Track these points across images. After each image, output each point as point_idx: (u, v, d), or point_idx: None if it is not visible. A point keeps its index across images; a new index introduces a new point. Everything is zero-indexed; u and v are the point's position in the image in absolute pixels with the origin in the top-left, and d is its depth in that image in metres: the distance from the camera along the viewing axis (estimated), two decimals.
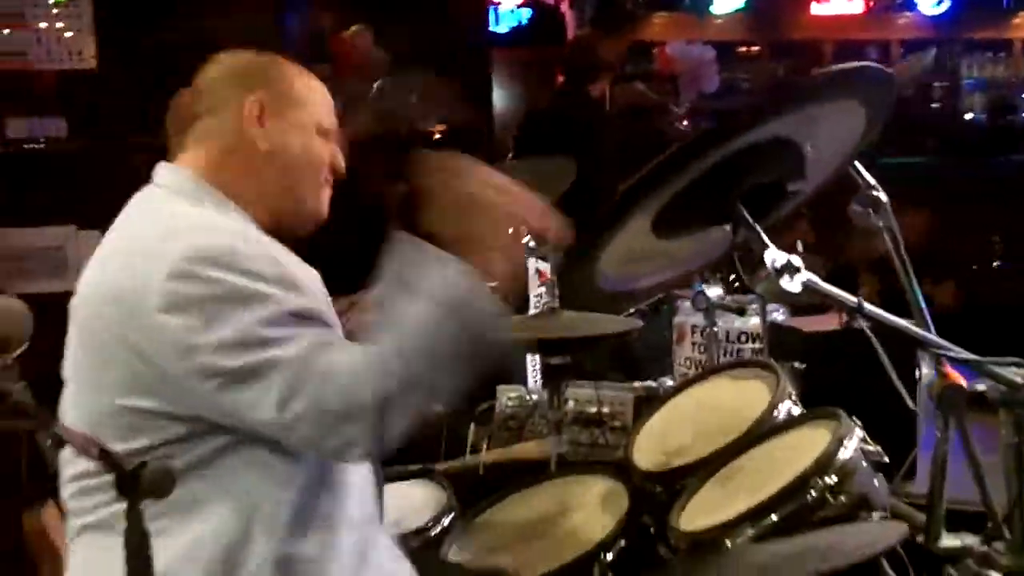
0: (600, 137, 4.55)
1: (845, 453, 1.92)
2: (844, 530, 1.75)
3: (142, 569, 1.37)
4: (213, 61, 1.88)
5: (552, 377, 2.70)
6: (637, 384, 2.78)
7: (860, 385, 2.22)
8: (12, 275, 4.47)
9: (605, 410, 2.75)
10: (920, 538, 1.89)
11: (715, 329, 2.61)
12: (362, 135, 6.71)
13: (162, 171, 1.80)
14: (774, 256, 1.41)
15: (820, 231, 5.97)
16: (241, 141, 1.76)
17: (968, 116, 10.43)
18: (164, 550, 1.45)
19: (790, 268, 1.41)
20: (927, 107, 10.12)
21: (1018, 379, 1.64)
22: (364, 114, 6.97)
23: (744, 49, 10.45)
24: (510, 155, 5.16)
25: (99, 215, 1.96)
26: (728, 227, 1.52)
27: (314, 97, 1.87)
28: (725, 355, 2.67)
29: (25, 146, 4.56)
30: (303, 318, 1.57)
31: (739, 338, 2.68)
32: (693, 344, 2.79)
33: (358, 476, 1.74)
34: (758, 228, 1.45)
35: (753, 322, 2.64)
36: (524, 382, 3.00)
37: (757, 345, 2.61)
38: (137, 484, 1.38)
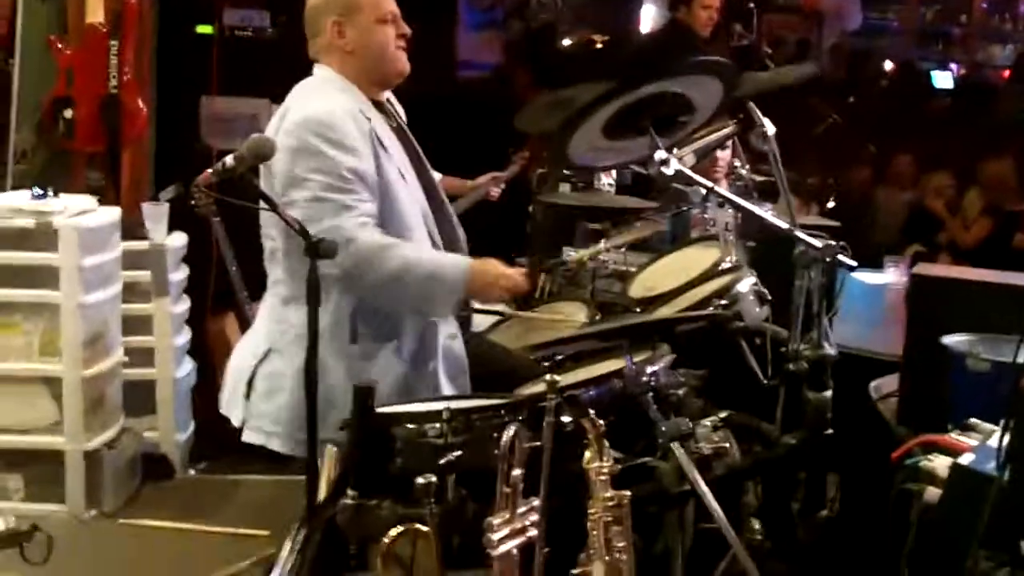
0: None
1: (740, 287, 3.32)
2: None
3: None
4: None
5: (594, 240, 4.16)
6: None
7: None
8: (218, 133, 5.99)
9: (630, 268, 4.16)
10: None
11: (707, 217, 4.03)
12: (515, 41, 8.04)
13: (315, 68, 3.19)
14: (659, 154, 2.79)
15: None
16: (335, 48, 3.14)
17: None
18: None
19: (666, 163, 2.79)
20: None
21: (816, 244, 2.96)
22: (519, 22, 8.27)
23: None
24: None
25: (286, 94, 3.18)
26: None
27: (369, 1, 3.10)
28: None
29: (236, 32, 6.05)
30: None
31: (726, 225, 4.06)
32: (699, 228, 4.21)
33: None
34: (656, 137, 2.84)
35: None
36: (581, 245, 4.40)
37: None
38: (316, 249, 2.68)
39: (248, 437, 3.11)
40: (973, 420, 2.46)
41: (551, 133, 3.21)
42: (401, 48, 3.19)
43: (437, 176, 3.43)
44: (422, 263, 3.01)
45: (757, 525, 2.92)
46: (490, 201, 4.41)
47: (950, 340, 2.69)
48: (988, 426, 2.42)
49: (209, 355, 5.14)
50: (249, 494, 4.59)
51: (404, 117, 3.37)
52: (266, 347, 3.11)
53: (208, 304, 5.32)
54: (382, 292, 3.00)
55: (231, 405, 3.15)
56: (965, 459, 2.24)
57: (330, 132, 2.97)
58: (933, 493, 2.31)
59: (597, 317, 3.58)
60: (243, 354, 3.18)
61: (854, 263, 2.94)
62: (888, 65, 10.64)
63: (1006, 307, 2.78)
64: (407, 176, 3.14)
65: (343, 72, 3.15)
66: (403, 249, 2.99)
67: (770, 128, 3.16)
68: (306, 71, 3.25)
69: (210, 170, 3.24)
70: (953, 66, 10.75)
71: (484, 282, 3.06)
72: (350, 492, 2.54)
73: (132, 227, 4.71)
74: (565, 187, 4.49)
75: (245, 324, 4.21)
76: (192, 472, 4.81)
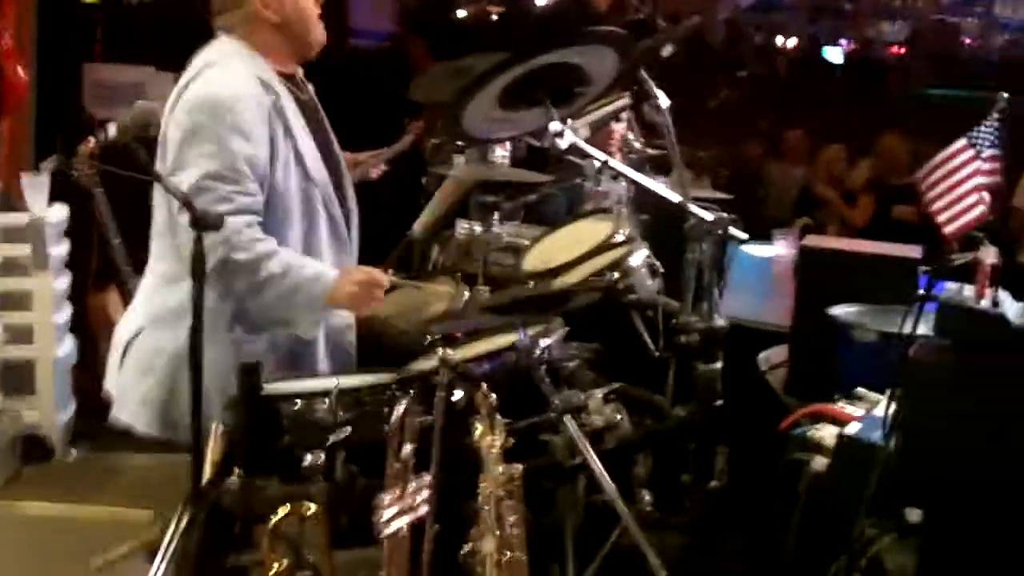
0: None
1: (632, 260, 3.34)
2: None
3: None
4: None
5: (487, 212, 4.13)
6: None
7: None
8: (101, 102, 5.88)
9: (524, 241, 4.15)
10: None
11: (601, 190, 4.04)
12: (410, 9, 7.97)
13: (220, 36, 3.06)
14: (553, 126, 2.78)
15: None
16: (258, 20, 3.01)
17: None
18: None
19: (561, 135, 2.79)
20: None
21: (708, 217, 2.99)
22: None
23: None
24: None
25: (172, 61, 3.19)
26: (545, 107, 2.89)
27: None
28: None
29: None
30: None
31: (618, 199, 4.08)
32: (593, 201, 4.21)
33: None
34: (551, 109, 2.83)
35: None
36: (474, 217, 4.38)
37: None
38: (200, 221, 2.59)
39: (116, 416, 3.05)
40: (860, 390, 2.50)
41: (445, 103, 3.18)
42: (319, 20, 3.11)
43: None
44: (287, 277, 2.90)
45: (647, 497, 2.94)
46: (373, 180, 4.32)
47: (837, 311, 2.74)
48: (874, 395, 2.47)
49: (91, 332, 5.03)
50: (133, 475, 4.48)
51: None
52: (141, 324, 3.04)
53: (90, 280, 5.20)
54: (244, 297, 2.92)
55: (112, 383, 3.09)
56: (851, 429, 2.28)
57: (227, 114, 2.87)
58: (821, 463, 2.36)
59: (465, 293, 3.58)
60: (122, 330, 3.11)
61: (745, 236, 2.97)
62: (781, 41, 10.82)
63: (892, 278, 2.84)
64: (308, 154, 3.06)
65: (260, 44, 3.04)
66: (270, 261, 2.89)
67: (664, 100, 3.17)
68: (193, 37, 3.13)
69: (92, 139, 3.13)
70: (843, 41, 10.99)
71: (346, 290, 2.94)
72: (236, 471, 2.50)
73: (11, 199, 4.57)
74: (459, 159, 4.45)
75: (128, 300, 4.11)
76: (74, 453, 4.70)
